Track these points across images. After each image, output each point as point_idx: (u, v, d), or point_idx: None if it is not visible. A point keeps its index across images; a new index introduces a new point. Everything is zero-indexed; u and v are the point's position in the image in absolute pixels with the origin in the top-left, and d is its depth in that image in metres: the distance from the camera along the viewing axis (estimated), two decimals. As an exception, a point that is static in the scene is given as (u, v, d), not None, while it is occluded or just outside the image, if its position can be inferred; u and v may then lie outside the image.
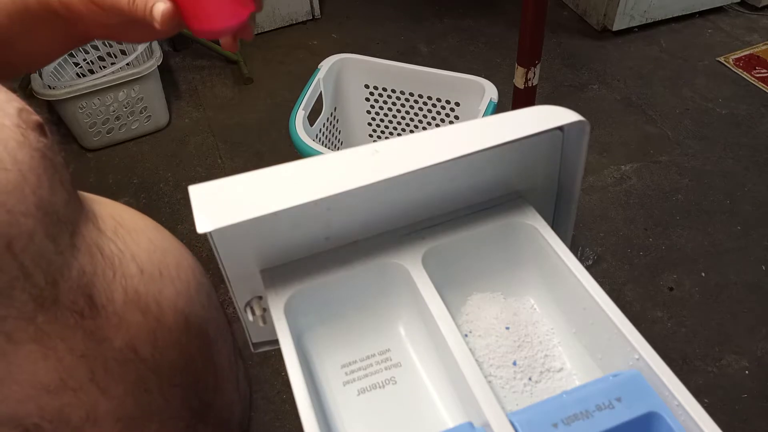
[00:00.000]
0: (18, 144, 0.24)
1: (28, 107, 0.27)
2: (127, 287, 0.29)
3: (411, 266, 0.43)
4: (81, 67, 1.82)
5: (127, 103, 1.70)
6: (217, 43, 2.04)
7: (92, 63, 1.84)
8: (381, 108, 1.26)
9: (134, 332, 0.29)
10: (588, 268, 0.54)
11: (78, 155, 1.73)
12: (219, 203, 0.36)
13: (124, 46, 1.84)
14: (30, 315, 0.24)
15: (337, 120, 1.25)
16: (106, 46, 1.84)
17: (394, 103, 1.24)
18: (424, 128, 1.26)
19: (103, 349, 0.27)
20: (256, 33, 2.15)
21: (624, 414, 0.34)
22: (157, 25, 0.30)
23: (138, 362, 0.29)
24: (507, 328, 0.44)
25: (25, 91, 1.61)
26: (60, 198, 0.27)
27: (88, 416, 0.26)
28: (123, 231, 0.31)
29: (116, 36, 0.35)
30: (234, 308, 0.45)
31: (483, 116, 1.05)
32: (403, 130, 1.28)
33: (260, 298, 0.45)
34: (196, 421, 0.33)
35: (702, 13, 2.09)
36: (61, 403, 0.25)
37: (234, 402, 0.39)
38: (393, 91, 1.22)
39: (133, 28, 0.33)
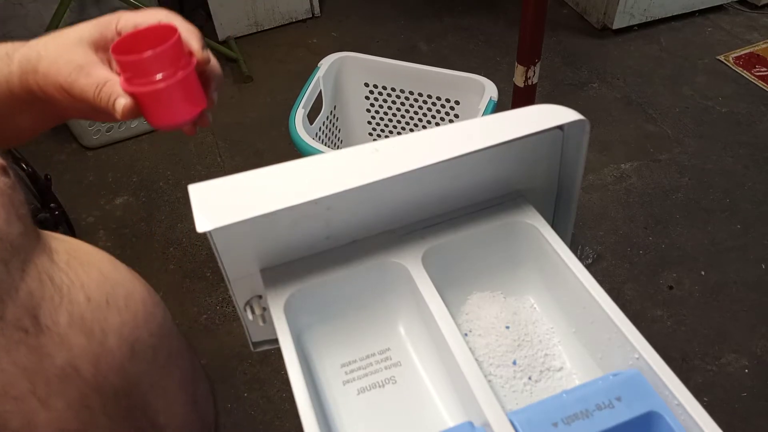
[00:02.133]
0: None
1: None
2: (73, 312, 0.32)
3: (411, 265, 0.43)
4: (80, 65, 1.82)
5: (127, 101, 1.70)
6: (221, 43, 2.04)
7: (91, 61, 1.84)
8: (381, 106, 1.26)
9: (77, 353, 0.31)
10: (588, 267, 0.53)
11: (77, 154, 1.73)
12: (219, 202, 0.36)
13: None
14: None
15: (337, 118, 1.25)
16: (105, 44, 1.83)
17: (393, 102, 1.24)
18: (424, 127, 1.25)
19: (44, 365, 0.29)
20: (256, 31, 2.15)
21: (624, 413, 0.34)
22: (117, 117, 0.34)
23: (79, 380, 0.31)
24: (507, 328, 0.44)
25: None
26: (15, 229, 0.30)
27: (27, 424, 0.29)
28: (76, 263, 0.34)
29: (89, 116, 0.40)
30: (233, 307, 0.45)
31: (483, 115, 1.05)
32: (403, 128, 1.28)
33: (260, 297, 0.45)
34: None
35: (702, 12, 2.09)
36: (3, 409, 0.28)
37: (191, 422, 0.40)
38: (393, 89, 1.21)
39: (101, 113, 0.37)
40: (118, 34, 0.36)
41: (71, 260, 0.34)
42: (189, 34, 0.36)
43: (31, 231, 0.32)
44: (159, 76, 0.34)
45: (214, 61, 0.39)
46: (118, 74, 0.35)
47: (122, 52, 0.34)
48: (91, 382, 0.31)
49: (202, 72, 0.38)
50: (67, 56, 0.34)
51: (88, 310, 0.32)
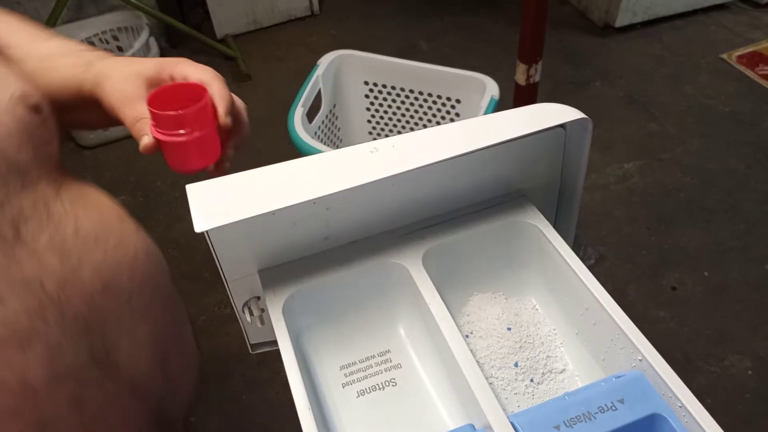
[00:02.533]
0: (4, 111, 0.34)
1: (31, 92, 0.36)
2: (56, 237, 0.35)
3: (411, 266, 0.42)
4: (80, 64, 1.81)
5: (127, 100, 1.69)
6: (219, 41, 2.03)
7: (91, 60, 1.83)
8: (381, 105, 1.25)
9: (47, 271, 0.34)
10: (590, 267, 0.53)
11: (75, 153, 1.73)
12: (216, 202, 0.36)
13: (120, 43, 1.84)
14: None
15: (337, 117, 1.25)
16: (102, 42, 1.83)
17: (394, 100, 1.23)
18: (425, 126, 1.25)
19: (12, 270, 0.33)
20: (254, 29, 2.15)
21: (627, 416, 0.33)
22: (140, 149, 0.41)
23: (42, 294, 0.34)
24: (508, 329, 0.44)
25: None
26: (24, 156, 0.34)
27: None
28: (80, 203, 0.38)
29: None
30: (232, 308, 0.45)
31: (484, 114, 1.04)
32: (403, 127, 1.28)
33: (258, 298, 0.45)
34: (98, 370, 0.36)
35: (705, 10, 2.08)
36: None
37: (155, 381, 0.42)
38: (393, 88, 1.21)
39: None
40: (170, 79, 0.42)
41: (77, 199, 0.38)
42: (220, 99, 0.41)
43: (44, 164, 0.36)
44: (180, 131, 0.40)
45: (242, 118, 0.44)
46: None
47: (157, 100, 0.40)
48: (53, 298, 0.34)
49: (225, 129, 0.43)
50: (123, 84, 0.41)
51: (72, 240, 0.36)
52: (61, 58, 0.44)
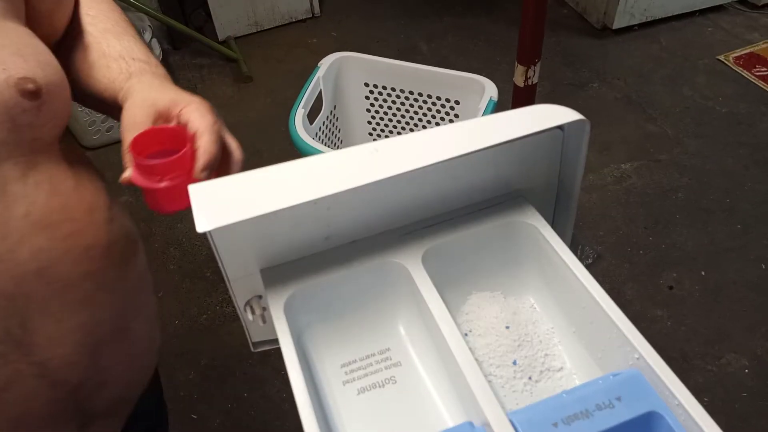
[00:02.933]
0: None
1: (36, 75, 0.37)
2: (2, 215, 0.37)
3: (411, 265, 0.43)
4: (80, 65, 1.82)
5: (127, 101, 1.69)
6: (221, 43, 2.04)
7: (91, 61, 1.84)
8: (381, 106, 1.26)
9: None
10: (588, 267, 0.53)
11: (77, 154, 1.73)
12: (218, 202, 0.36)
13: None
14: None
15: (337, 118, 1.25)
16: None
17: (393, 102, 1.24)
18: (424, 127, 1.25)
19: None
20: (256, 31, 2.15)
21: (624, 413, 0.34)
22: (120, 179, 0.42)
23: None
24: (507, 328, 0.44)
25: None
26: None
27: None
28: (46, 187, 0.39)
29: None
30: (233, 307, 0.45)
31: (483, 115, 1.05)
32: (403, 128, 1.28)
33: (260, 297, 0.45)
34: (9, 346, 0.38)
35: (702, 12, 2.09)
36: None
37: (76, 368, 0.43)
38: (393, 89, 1.21)
39: None
40: (177, 117, 0.43)
41: (44, 184, 0.39)
42: (203, 153, 0.41)
43: (21, 146, 0.38)
44: (155, 178, 0.41)
45: (231, 168, 0.45)
46: None
47: (143, 139, 0.41)
48: None
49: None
50: (136, 109, 0.42)
51: (18, 221, 0.37)
52: (114, 60, 0.47)
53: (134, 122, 0.42)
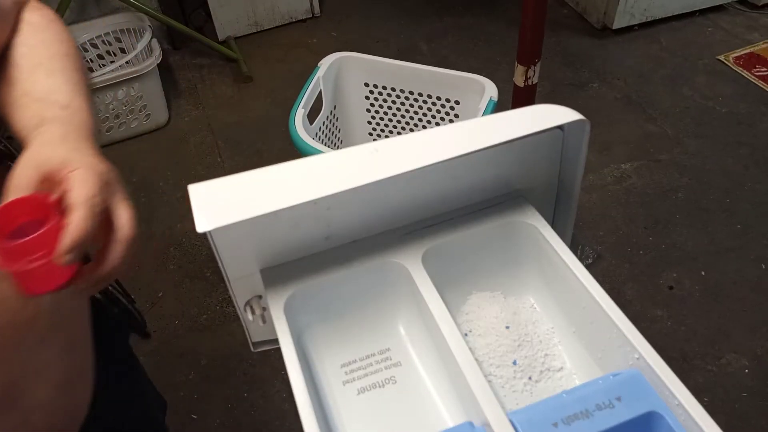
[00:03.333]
0: None
1: None
2: None
3: (411, 265, 0.43)
4: (80, 65, 1.81)
5: (127, 101, 1.69)
6: (221, 43, 2.04)
7: (91, 61, 1.83)
8: (381, 106, 1.26)
9: None
10: (588, 267, 0.53)
11: (77, 154, 1.73)
12: (218, 202, 0.36)
13: (123, 45, 1.84)
14: None
15: (337, 118, 1.25)
16: (105, 44, 1.83)
17: (393, 102, 1.24)
18: (424, 127, 1.25)
19: None
20: (256, 31, 2.15)
21: (624, 413, 0.34)
22: None
23: None
24: (507, 328, 0.44)
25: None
26: None
27: None
28: None
29: None
30: (234, 307, 0.45)
31: (483, 115, 1.05)
32: (403, 128, 1.28)
33: (260, 297, 0.45)
34: None
35: (702, 12, 2.09)
36: None
37: None
38: (393, 89, 1.21)
39: None
40: (58, 182, 0.38)
41: None
42: (67, 234, 0.35)
43: None
44: (18, 259, 0.36)
45: (111, 254, 0.38)
46: None
47: (6, 212, 0.36)
48: None
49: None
50: (21, 169, 0.38)
51: None
52: (34, 102, 0.43)
53: (16, 185, 0.37)
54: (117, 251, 0.38)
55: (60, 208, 0.37)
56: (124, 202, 0.39)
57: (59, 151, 0.39)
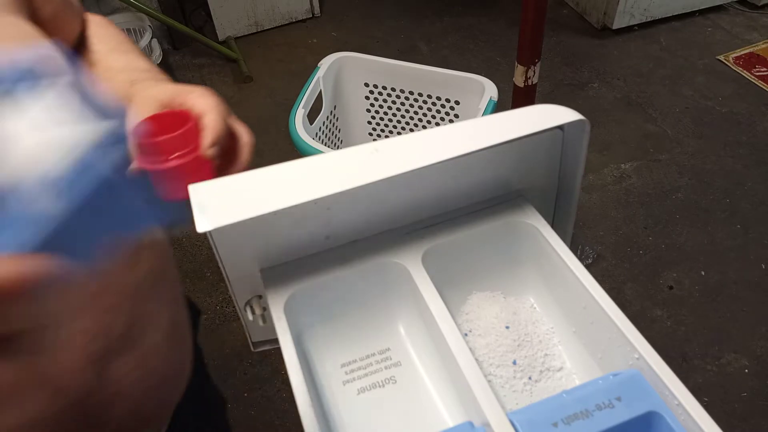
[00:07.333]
0: None
1: None
2: None
3: (411, 265, 0.43)
4: (80, 65, 1.81)
5: (127, 101, 1.69)
6: (221, 43, 2.04)
7: (91, 61, 1.84)
8: (381, 106, 1.26)
9: None
10: (588, 267, 0.53)
11: (77, 154, 1.73)
12: (218, 202, 0.36)
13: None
14: None
15: (337, 118, 1.25)
16: (105, 44, 1.83)
17: (393, 102, 1.24)
18: (424, 127, 1.25)
19: None
20: (256, 31, 2.15)
21: (624, 413, 0.34)
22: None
23: None
24: (507, 328, 0.44)
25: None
26: None
27: None
28: None
29: None
30: (234, 307, 0.45)
31: (483, 115, 1.05)
32: (403, 128, 1.28)
33: (260, 297, 0.45)
34: None
35: (702, 12, 2.09)
36: None
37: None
38: (393, 89, 1.21)
39: None
40: (179, 105, 0.42)
41: None
42: (209, 130, 0.40)
43: None
44: (161, 158, 0.39)
45: (240, 153, 0.44)
46: None
47: (144, 127, 0.40)
48: None
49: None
50: (138, 108, 0.43)
51: None
52: (118, 73, 0.48)
53: (136, 114, 0.42)
54: (246, 153, 0.45)
55: (189, 117, 0.40)
56: (234, 117, 0.44)
57: (166, 89, 0.44)
